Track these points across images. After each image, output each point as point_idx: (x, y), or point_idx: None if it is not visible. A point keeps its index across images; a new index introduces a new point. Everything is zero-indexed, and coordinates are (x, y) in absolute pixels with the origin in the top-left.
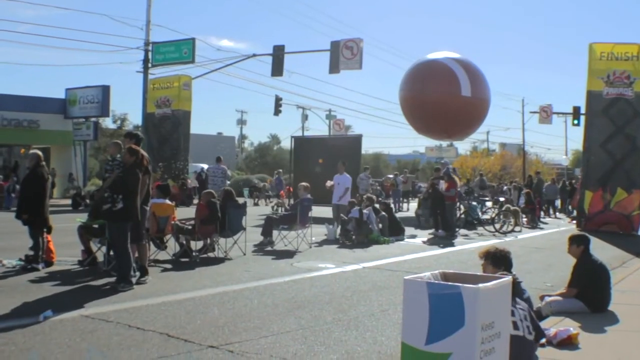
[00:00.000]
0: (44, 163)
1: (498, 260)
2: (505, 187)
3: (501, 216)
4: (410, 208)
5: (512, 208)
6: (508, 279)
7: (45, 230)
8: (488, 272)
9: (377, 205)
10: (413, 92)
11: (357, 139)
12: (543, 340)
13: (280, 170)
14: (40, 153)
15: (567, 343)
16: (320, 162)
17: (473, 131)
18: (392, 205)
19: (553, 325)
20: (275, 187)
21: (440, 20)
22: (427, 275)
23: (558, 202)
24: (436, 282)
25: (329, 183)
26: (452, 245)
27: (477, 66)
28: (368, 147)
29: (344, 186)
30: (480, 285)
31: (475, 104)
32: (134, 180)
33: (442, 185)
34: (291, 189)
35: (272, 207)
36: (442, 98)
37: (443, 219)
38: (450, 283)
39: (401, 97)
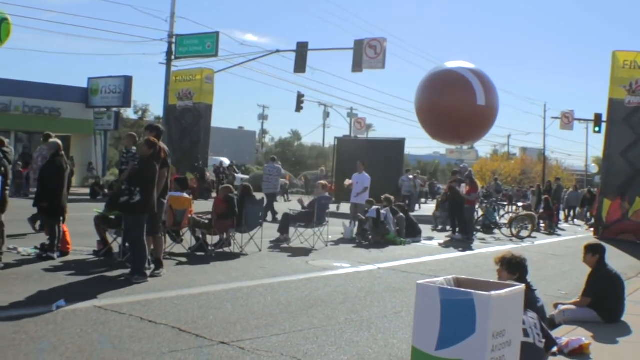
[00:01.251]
0: (63, 152)
1: (513, 267)
2: (528, 192)
3: (519, 221)
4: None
5: (527, 213)
6: (521, 287)
7: (61, 219)
8: (503, 278)
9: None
10: (430, 100)
11: (400, 142)
12: (554, 349)
13: (323, 168)
14: (59, 142)
15: (579, 353)
16: (361, 166)
17: (483, 136)
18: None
19: (565, 334)
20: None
21: (464, 25)
22: (440, 281)
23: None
24: (449, 287)
25: (347, 182)
26: (468, 248)
27: (488, 76)
28: None
29: (363, 185)
30: (493, 292)
31: (488, 112)
32: (151, 173)
33: (463, 188)
34: (333, 187)
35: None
36: (459, 107)
37: (462, 222)
38: (462, 289)
39: (417, 104)
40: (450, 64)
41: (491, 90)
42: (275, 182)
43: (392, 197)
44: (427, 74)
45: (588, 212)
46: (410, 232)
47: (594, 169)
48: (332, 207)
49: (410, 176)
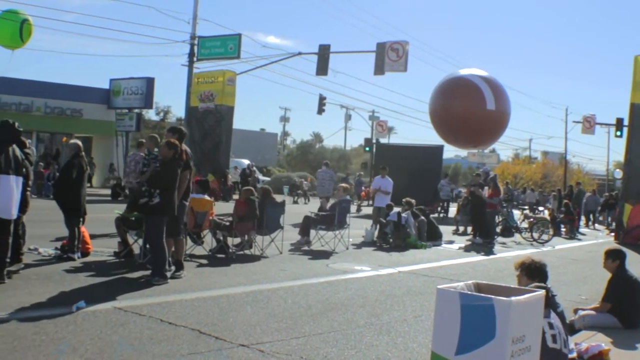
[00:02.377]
0: (83, 154)
1: (533, 272)
2: (550, 198)
3: (539, 225)
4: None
5: (543, 217)
6: (541, 293)
7: (81, 220)
8: (523, 284)
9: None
10: (442, 107)
11: (439, 149)
12: (574, 355)
13: (362, 172)
14: (80, 143)
15: (598, 359)
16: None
17: (496, 141)
18: None
19: (585, 340)
20: (355, 188)
21: (486, 29)
22: (460, 286)
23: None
24: (469, 293)
25: (372, 189)
26: (489, 252)
27: (499, 81)
28: None
29: (386, 189)
30: (513, 298)
31: (498, 117)
32: (172, 175)
33: (486, 191)
34: (369, 191)
35: (357, 208)
36: (469, 112)
37: (484, 226)
38: (483, 295)
39: (431, 110)
40: (462, 71)
41: (501, 94)
42: (328, 187)
43: (412, 201)
44: (439, 82)
45: (609, 216)
46: (432, 235)
47: (618, 174)
48: (352, 209)
49: (448, 181)
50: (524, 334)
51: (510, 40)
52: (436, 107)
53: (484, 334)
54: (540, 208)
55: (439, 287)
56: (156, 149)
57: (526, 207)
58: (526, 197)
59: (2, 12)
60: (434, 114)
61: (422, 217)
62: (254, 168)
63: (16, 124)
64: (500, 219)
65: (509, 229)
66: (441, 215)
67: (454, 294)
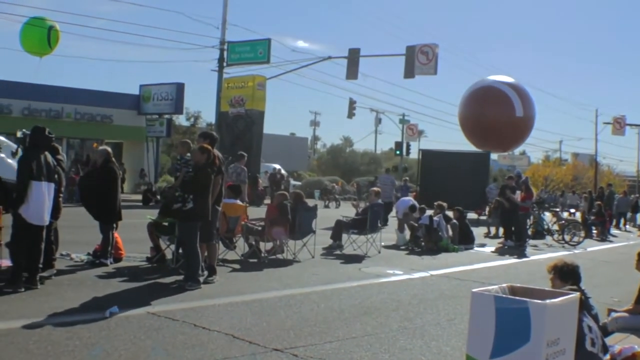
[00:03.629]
0: (113, 159)
1: (565, 275)
2: (580, 200)
3: (571, 227)
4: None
5: (574, 219)
6: (575, 295)
7: (114, 226)
8: (556, 287)
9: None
10: (474, 115)
11: (485, 155)
12: (607, 357)
13: (407, 178)
14: (109, 149)
15: None
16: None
17: (523, 143)
18: None
19: (618, 342)
20: (402, 193)
21: (515, 33)
22: (494, 289)
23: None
24: (504, 296)
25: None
26: (522, 255)
27: (524, 87)
28: None
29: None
30: (548, 301)
31: (526, 122)
32: (205, 180)
33: (518, 195)
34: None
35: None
36: (501, 120)
37: (516, 229)
38: (517, 298)
39: (461, 117)
40: (490, 79)
41: (528, 100)
42: (389, 192)
43: (444, 204)
44: (469, 89)
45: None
46: (464, 239)
47: None
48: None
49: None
50: (558, 337)
51: (539, 42)
52: (467, 115)
53: (519, 337)
54: (572, 210)
55: (473, 290)
56: (188, 154)
57: (558, 209)
58: (566, 199)
59: (29, 20)
60: (464, 121)
61: (454, 221)
62: (283, 172)
63: (47, 130)
64: (532, 221)
65: (541, 232)
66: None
67: (489, 297)
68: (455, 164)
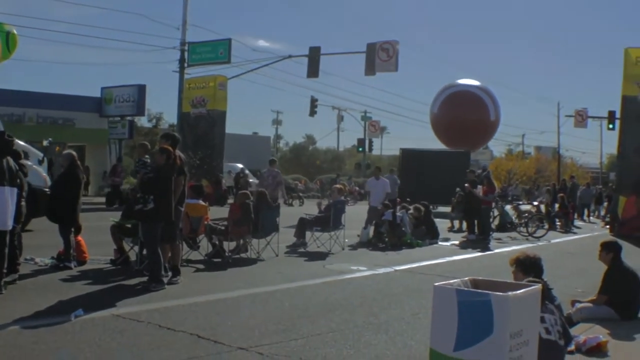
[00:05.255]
0: (79, 163)
1: (528, 267)
2: (535, 191)
3: (534, 220)
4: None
5: (537, 211)
6: (537, 287)
7: (72, 230)
8: (519, 279)
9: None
10: (449, 117)
11: (466, 154)
12: (572, 347)
13: (394, 168)
14: (74, 153)
15: (596, 350)
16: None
17: (487, 143)
18: None
19: (583, 332)
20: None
21: (474, 28)
22: (457, 282)
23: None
24: (465, 289)
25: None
26: (485, 249)
27: (491, 90)
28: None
29: (384, 190)
30: (510, 293)
31: (496, 125)
32: (166, 181)
33: (480, 189)
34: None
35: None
36: (476, 123)
37: (479, 223)
38: (479, 290)
39: (434, 119)
40: (463, 82)
41: (497, 104)
42: (394, 191)
43: (405, 204)
44: (442, 92)
45: (603, 208)
46: (430, 233)
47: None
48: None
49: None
50: (521, 328)
51: (498, 37)
52: (441, 117)
53: (481, 329)
54: (535, 203)
55: (435, 284)
56: (146, 156)
57: (520, 202)
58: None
59: None
60: (437, 122)
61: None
62: (247, 172)
63: (7, 134)
64: (496, 214)
65: (504, 225)
66: None
67: (451, 290)
68: (434, 162)
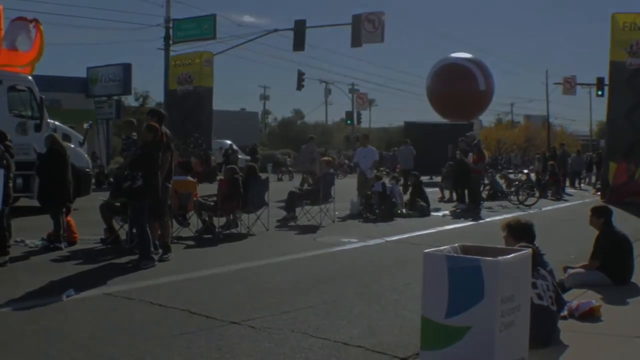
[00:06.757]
0: (60, 141)
1: (519, 233)
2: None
3: (525, 188)
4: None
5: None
6: (528, 251)
7: (63, 211)
8: (509, 245)
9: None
10: (441, 90)
11: (469, 127)
12: (565, 312)
13: (396, 148)
14: (54, 134)
15: (589, 315)
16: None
17: (483, 113)
18: None
19: (575, 298)
20: (390, 162)
21: None
22: (446, 249)
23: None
24: (455, 255)
25: (354, 161)
26: (476, 218)
27: (484, 62)
28: (392, 120)
29: (372, 159)
30: (500, 258)
31: (488, 94)
32: (153, 158)
33: (470, 157)
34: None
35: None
36: (466, 94)
37: (470, 192)
38: (469, 256)
39: (429, 92)
40: (454, 56)
41: (488, 74)
42: (409, 161)
43: (395, 174)
44: (435, 66)
45: (593, 175)
46: (419, 203)
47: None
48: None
49: None
50: (512, 293)
51: (485, 4)
52: (434, 90)
53: (472, 295)
54: (525, 171)
55: (425, 251)
56: (134, 133)
57: (510, 171)
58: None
59: None
60: (432, 95)
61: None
62: (235, 147)
63: None
64: (487, 182)
65: (495, 194)
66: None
67: (441, 257)
68: (437, 135)
